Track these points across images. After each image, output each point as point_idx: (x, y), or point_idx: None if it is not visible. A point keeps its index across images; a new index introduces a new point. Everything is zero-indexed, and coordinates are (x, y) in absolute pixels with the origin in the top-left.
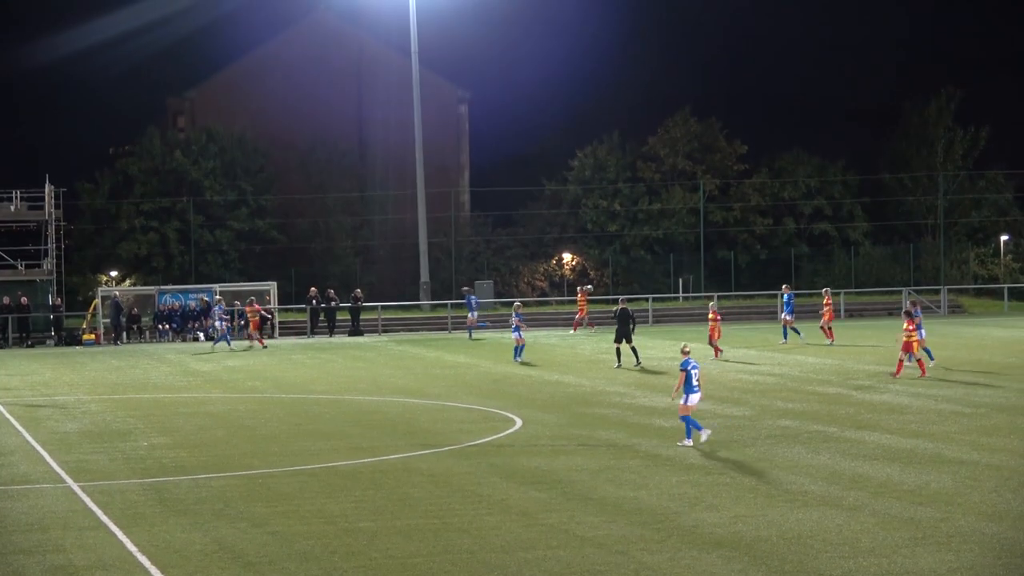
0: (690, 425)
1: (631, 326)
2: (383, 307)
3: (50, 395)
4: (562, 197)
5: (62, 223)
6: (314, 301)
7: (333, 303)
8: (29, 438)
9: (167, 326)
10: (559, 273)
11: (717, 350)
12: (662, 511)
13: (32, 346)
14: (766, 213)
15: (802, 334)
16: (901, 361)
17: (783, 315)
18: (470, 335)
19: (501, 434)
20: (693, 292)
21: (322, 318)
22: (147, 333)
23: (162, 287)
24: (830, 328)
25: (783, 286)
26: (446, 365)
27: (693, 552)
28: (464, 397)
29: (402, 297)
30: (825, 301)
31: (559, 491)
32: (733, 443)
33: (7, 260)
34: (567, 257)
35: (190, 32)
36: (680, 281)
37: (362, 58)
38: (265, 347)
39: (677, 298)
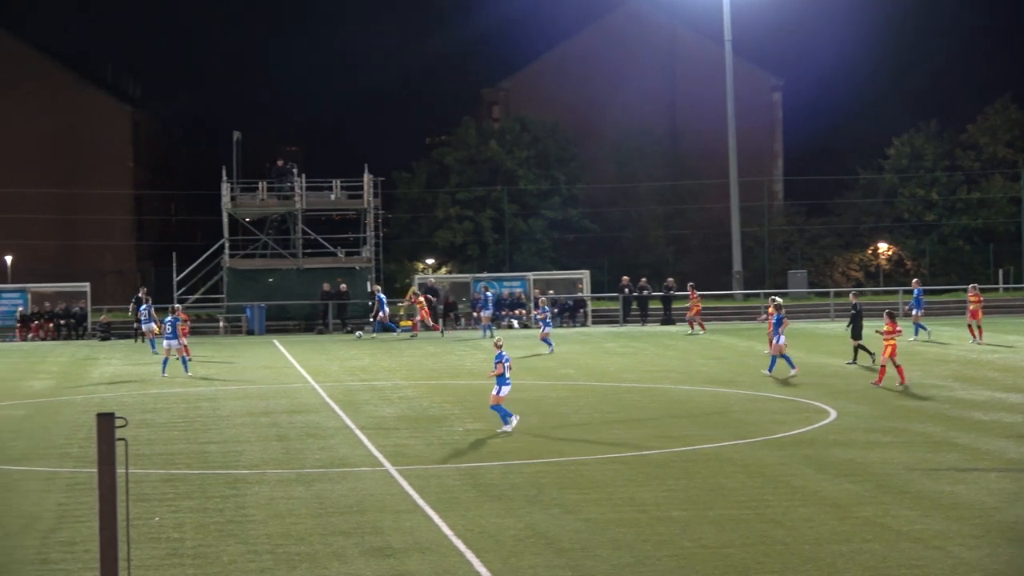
0: (503, 413)
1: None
2: None
3: (368, 380)
4: (877, 186)
5: (380, 212)
6: (626, 290)
7: (645, 292)
8: (349, 422)
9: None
10: (874, 263)
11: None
12: (980, 506)
13: (351, 332)
14: None
15: (929, 332)
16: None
17: (914, 312)
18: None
19: (814, 425)
20: (1014, 283)
21: (634, 307)
22: (462, 320)
23: (477, 275)
24: (973, 326)
25: (913, 280)
26: (758, 355)
27: (1013, 548)
28: (776, 388)
29: (714, 286)
30: (971, 297)
31: (874, 484)
32: None
33: (328, 248)
34: (883, 247)
35: (505, 23)
36: (1000, 272)
37: (674, 46)
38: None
39: (997, 289)
